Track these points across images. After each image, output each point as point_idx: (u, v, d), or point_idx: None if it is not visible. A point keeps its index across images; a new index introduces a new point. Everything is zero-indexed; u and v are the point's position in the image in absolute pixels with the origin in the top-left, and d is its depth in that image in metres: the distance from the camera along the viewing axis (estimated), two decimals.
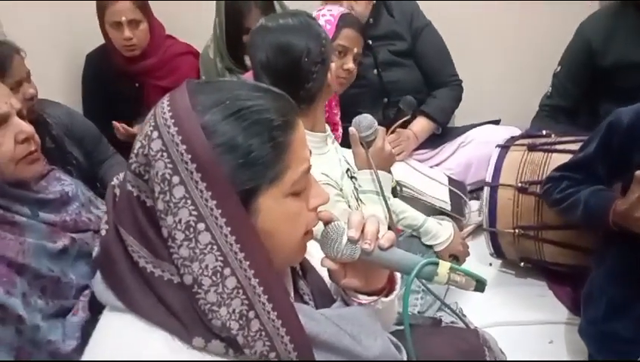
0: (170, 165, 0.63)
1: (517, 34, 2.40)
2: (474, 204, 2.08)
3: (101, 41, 2.18)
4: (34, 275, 1.19)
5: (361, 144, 1.40)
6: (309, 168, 0.72)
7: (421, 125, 2.11)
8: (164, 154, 0.63)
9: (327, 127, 1.51)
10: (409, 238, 1.62)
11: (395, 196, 1.56)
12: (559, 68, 2.05)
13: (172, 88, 2.19)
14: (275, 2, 2.06)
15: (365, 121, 1.41)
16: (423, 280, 0.77)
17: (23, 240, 1.18)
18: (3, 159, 1.16)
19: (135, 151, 0.67)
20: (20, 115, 1.20)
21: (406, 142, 2.05)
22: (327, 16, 1.67)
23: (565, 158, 1.58)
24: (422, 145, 2.13)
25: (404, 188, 1.87)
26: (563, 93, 2.04)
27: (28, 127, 1.20)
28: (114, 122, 2.09)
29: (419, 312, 1.55)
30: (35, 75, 1.72)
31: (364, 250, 0.75)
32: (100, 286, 0.70)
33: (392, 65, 2.08)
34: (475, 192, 2.13)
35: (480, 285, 0.76)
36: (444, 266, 0.74)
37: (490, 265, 1.91)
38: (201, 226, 0.63)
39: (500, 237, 1.76)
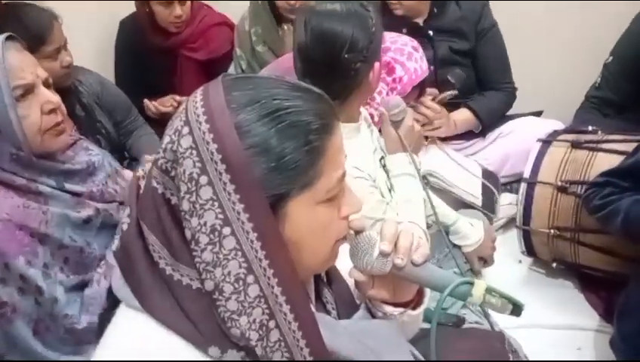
0: (199, 164, 0.60)
1: (565, 19, 2.27)
2: (508, 197, 2.00)
3: (134, 7, 2.15)
4: (57, 245, 1.20)
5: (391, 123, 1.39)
6: (344, 175, 0.68)
7: (464, 116, 2.01)
8: (194, 152, 0.60)
9: (364, 112, 1.45)
10: (438, 233, 1.56)
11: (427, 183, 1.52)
12: (610, 58, 1.94)
13: (206, 60, 2.20)
14: None
15: (394, 100, 1.39)
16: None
17: (47, 210, 1.19)
18: (30, 130, 1.15)
19: (163, 145, 0.63)
20: (46, 84, 1.19)
21: (447, 119, 1.94)
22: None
23: (612, 159, 1.49)
24: (459, 134, 2.04)
25: (433, 179, 1.79)
26: (613, 85, 1.93)
27: (54, 98, 1.19)
28: (145, 100, 2.09)
29: (442, 309, 1.50)
30: (68, 41, 1.71)
31: (396, 265, 0.71)
32: (118, 282, 0.68)
33: (450, 63, 1.96)
34: (510, 184, 2.05)
35: (517, 309, 0.72)
36: (480, 287, 0.70)
37: (520, 262, 1.85)
38: (226, 230, 0.60)
39: (534, 235, 1.69)
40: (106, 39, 2.27)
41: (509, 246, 1.84)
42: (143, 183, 0.69)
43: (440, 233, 1.52)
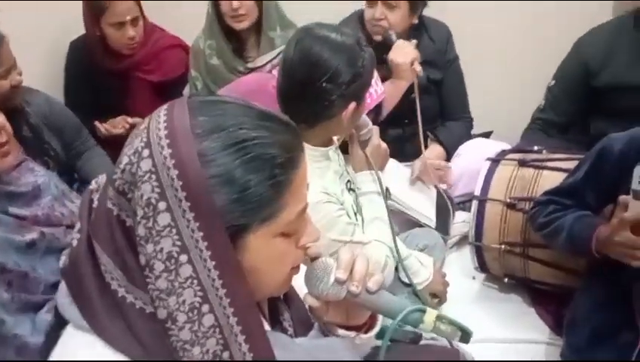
0: (157, 189, 0.58)
1: (512, 45, 2.37)
2: (461, 215, 2.05)
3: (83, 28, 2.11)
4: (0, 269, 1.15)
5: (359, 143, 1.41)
6: (306, 208, 0.68)
7: (436, 153, 2.08)
8: (153, 176, 0.58)
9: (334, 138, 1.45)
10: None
11: (388, 197, 1.53)
12: (553, 82, 2.03)
13: (159, 82, 2.16)
14: None
15: (361, 120, 1.39)
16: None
17: None
18: None
19: (122, 166, 0.60)
20: None
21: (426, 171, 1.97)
22: None
23: (556, 176, 1.56)
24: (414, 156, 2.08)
25: (388, 201, 1.82)
26: (556, 107, 2.02)
27: None
28: (95, 122, 2.04)
29: (399, 325, 1.51)
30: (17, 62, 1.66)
31: (351, 292, 0.71)
32: (64, 300, 0.65)
33: (426, 92, 2.01)
34: (463, 203, 2.10)
35: (465, 336, 0.74)
36: (431, 315, 0.72)
37: (474, 278, 1.88)
38: (183, 258, 0.58)
39: (486, 251, 1.73)
40: (56, 60, 2.22)
41: (462, 262, 1.87)
42: (96, 197, 0.66)
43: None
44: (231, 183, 0.59)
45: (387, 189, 1.51)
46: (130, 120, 2.07)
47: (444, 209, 1.92)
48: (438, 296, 1.64)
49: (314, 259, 0.73)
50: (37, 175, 1.34)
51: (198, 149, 0.59)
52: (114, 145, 2.08)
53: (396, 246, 1.42)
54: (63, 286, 0.67)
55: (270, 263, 0.66)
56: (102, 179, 0.67)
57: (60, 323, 0.68)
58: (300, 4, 2.18)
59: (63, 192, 1.41)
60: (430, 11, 2.09)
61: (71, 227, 1.35)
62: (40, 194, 1.31)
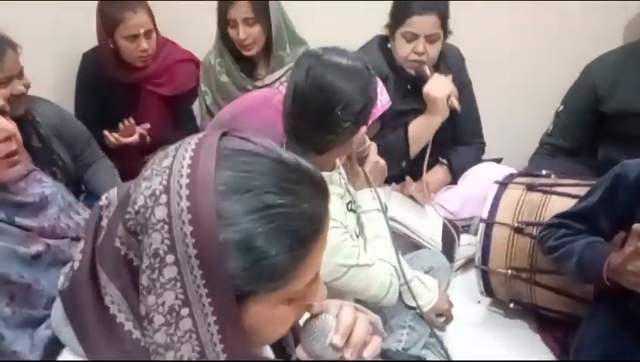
0: (168, 241, 0.55)
1: (519, 70, 2.38)
2: (466, 238, 2.04)
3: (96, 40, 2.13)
4: (3, 281, 1.15)
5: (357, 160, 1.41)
6: (317, 276, 0.65)
7: (439, 176, 2.08)
8: (166, 227, 0.55)
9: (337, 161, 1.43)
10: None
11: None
12: (562, 107, 2.03)
13: (170, 96, 2.17)
14: None
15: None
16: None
17: None
18: None
19: (136, 206, 0.57)
20: (2, 112, 1.16)
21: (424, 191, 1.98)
22: None
23: (564, 202, 1.55)
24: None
25: (394, 224, 1.78)
26: (564, 132, 2.03)
27: (9, 125, 1.16)
28: (105, 131, 2.05)
29: (403, 349, 1.49)
30: (27, 71, 1.67)
31: (345, 359, 0.70)
32: (60, 322, 0.64)
33: (448, 119, 1.96)
34: (468, 226, 2.09)
35: None
36: None
37: (479, 302, 1.86)
38: (184, 311, 0.56)
39: (492, 276, 1.71)
40: (67, 71, 2.23)
41: (467, 286, 1.86)
42: (105, 213, 0.64)
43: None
44: (247, 251, 0.56)
45: (390, 217, 1.50)
46: (138, 129, 2.07)
47: (449, 236, 1.91)
48: (444, 314, 1.62)
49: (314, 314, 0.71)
50: (44, 186, 1.34)
51: (218, 208, 0.55)
52: (121, 156, 2.10)
53: (400, 264, 1.41)
54: (58, 307, 0.65)
55: (271, 325, 0.63)
56: (112, 194, 0.65)
57: (57, 342, 0.66)
58: (310, 18, 2.18)
59: (69, 204, 1.40)
60: None
61: (76, 239, 1.34)
62: (47, 206, 1.30)
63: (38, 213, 1.27)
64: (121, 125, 2.06)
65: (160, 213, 0.55)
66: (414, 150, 1.95)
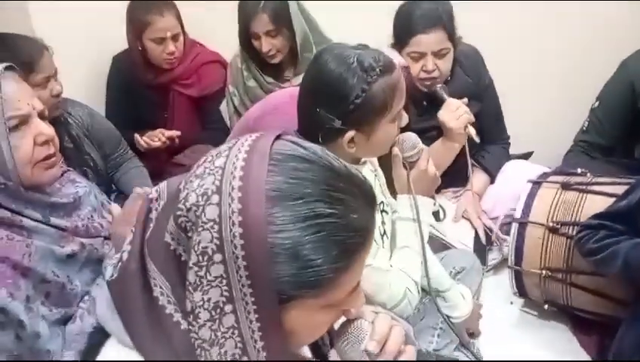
0: (217, 241, 0.56)
1: (553, 65, 2.33)
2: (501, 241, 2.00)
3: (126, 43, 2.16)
4: (39, 280, 1.17)
5: (404, 165, 1.34)
6: (358, 285, 0.66)
7: (483, 182, 2.03)
8: (216, 227, 0.56)
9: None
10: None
11: (437, 220, 1.46)
12: (597, 103, 1.98)
13: (198, 97, 2.19)
14: (290, 3, 1.98)
15: (409, 140, 1.32)
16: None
17: (30, 243, 1.16)
18: (21, 161, 1.13)
19: (188, 204, 0.58)
20: (41, 115, 1.18)
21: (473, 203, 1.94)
22: None
23: (601, 201, 1.50)
24: (452, 183, 2.03)
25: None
26: (600, 130, 1.97)
27: (48, 130, 1.18)
28: (136, 135, 2.08)
29: (434, 350, 1.47)
30: (59, 74, 1.70)
31: None
32: (106, 312, 0.65)
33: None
34: (500, 226, 2.05)
35: None
36: None
37: (512, 303, 1.83)
38: (228, 308, 0.57)
39: (525, 276, 1.68)
40: (99, 73, 2.27)
41: (500, 287, 1.83)
42: (155, 206, 0.65)
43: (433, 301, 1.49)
44: (293, 258, 0.57)
45: (437, 213, 1.45)
46: (167, 133, 2.09)
47: (482, 241, 1.88)
48: (471, 329, 1.60)
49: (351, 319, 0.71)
50: (78, 186, 1.35)
51: (268, 213, 0.56)
52: (150, 157, 2.12)
53: (428, 277, 1.34)
54: (102, 297, 0.66)
55: (309, 329, 0.65)
56: (162, 187, 0.66)
57: (102, 331, 0.67)
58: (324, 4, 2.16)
59: (102, 203, 1.42)
60: (471, 34, 2.05)
61: (108, 238, 1.36)
62: (80, 206, 1.32)
63: (72, 213, 1.29)
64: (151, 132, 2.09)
65: (211, 212, 0.56)
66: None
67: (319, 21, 2.09)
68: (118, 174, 1.99)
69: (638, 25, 2.18)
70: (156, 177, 2.05)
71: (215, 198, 0.56)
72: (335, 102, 1.18)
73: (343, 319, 0.72)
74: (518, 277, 1.70)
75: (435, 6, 1.77)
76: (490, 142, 2.08)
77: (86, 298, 1.23)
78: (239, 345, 0.58)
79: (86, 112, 1.87)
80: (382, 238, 1.37)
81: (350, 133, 1.21)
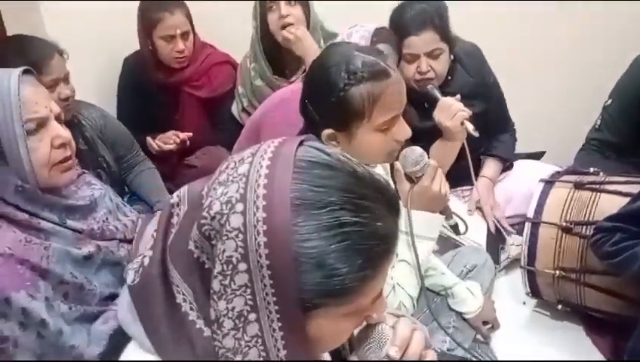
0: (241, 250, 0.56)
1: (565, 63, 2.32)
2: (511, 237, 1.99)
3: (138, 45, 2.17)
4: (57, 281, 1.18)
5: (409, 178, 1.31)
6: (381, 293, 0.66)
7: (492, 169, 2.03)
8: (240, 236, 0.56)
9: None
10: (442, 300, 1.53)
11: (457, 234, 1.44)
12: (610, 101, 1.96)
13: (208, 98, 2.20)
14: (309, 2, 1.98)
15: (412, 155, 1.29)
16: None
17: (48, 245, 1.17)
18: (38, 164, 1.15)
19: (212, 213, 0.57)
20: (58, 118, 1.19)
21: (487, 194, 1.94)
22: (360, 32, 1.61)
23: (615, 200, 1.49)
24: (463, 182, 2.01)
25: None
26: (613, 127, 1.94)
27: (65, 133, 1.19)
28: (148, 138, 2.10)
29: (448, 350, 1.47)
30: (72, 77, 1.71)
31: None
32: (127, 315, 0.65)
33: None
34: (512, 226, 2.04)
35: None
36: None
37: (524, 304, 1.82)
38: (252, 316, 0.57)
39: (538, 276, 1.67)
40: (110, 75, 2.28)
41: (512, 286, 1.82)
42: (176, 212, 0.65)
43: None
44: (318, 267, 0.56)
45: (456, 226, 1.42)
46: (181, 135, 2.10)
47: (495, 238, 1.87)
48: (490, 322, 1.59)
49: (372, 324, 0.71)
50: (94, 188, 1.37)
51: (292, 222, 0.56)
52: (161, 159, 2.14)
53: (423, 285, 1.33)
54: (124, 301, 0.67)
55: (332, 336, 0.64)
56: (183, 192, 0.66)
57: (123, 333, 0.68)
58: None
59: (117, 206, 1.43)
60: (479, 29, 2.04)
61: (124, 241, 1.37)
62: (96, 208, 1.33)
63: (87, 215, 1.30)
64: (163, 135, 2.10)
65: (235, 221, 0.56)
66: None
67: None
68: (131, 176, 2.00)
69: None
70: (168, 178, 2.07)
71: (239, 207, 0.56)
72: (317, 96, 1.21)
73: (363, 323, 0.72)
74: (531, 278, 1.69)
75: (426, 7, 1.77)
76: (497, 132, 2.07)
77: (116, 300, 1.24)
78: (262, 354, 0.58)
79: (99, 114, 1.88)
80: None
81: (327, 131, 1.22)
